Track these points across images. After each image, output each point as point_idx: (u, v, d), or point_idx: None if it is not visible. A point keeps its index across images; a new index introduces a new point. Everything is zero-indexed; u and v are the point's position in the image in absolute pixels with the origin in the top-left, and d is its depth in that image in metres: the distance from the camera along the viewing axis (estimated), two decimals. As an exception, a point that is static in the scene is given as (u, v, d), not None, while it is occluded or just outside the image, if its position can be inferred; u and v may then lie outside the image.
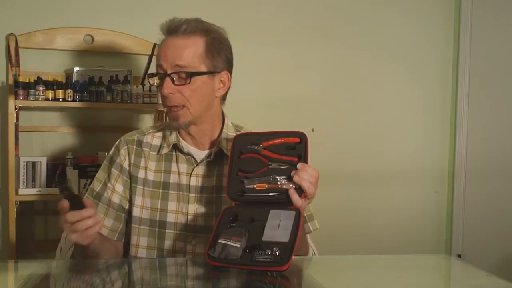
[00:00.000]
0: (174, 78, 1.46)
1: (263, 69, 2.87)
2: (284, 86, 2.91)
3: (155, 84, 1.52)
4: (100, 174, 1.58)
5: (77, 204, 1.28)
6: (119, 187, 1.55)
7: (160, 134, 1.59)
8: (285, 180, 1.33)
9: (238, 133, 1.52)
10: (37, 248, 2.58)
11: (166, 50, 1.47)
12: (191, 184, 1.52)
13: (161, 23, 1.51)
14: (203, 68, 1.48)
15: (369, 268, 1.40)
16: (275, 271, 1.21)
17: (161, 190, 1.53)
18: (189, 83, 1.46)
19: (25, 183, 2.42)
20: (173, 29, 1.48)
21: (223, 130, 1.56)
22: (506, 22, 2.93)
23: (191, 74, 1.46)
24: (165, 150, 1.55)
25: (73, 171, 2.48)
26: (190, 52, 1.47)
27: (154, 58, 2.52)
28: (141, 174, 1.54)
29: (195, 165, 1.53)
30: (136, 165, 1.55)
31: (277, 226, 1.27)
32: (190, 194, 1.52)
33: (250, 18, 2.85)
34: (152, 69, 2.54)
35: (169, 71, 1.46)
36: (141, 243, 1.52)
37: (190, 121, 1.50)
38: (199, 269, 1.34)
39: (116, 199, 1.54)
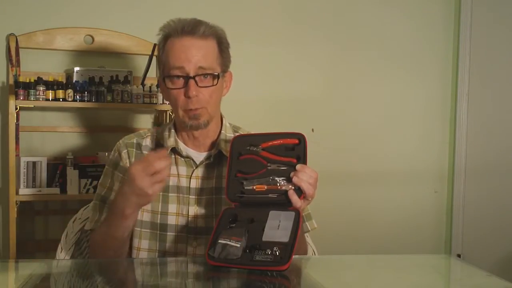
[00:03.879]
0: (197, 80, 1.44)
1: (263, 69, 2.87)
2: (284, 86, 2.92)
3: (172, 87, 1.46)
4: (104, 180, 1.57)
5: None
6: None
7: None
8: (284, 181, 1.33)
9: (237, 134, 1.52)
10: (37, 248, 2.58)
11: (187, 52, 1.44)
12: (191, 186, 1.52)
13: (164, 23, 1.49)
14: (219, 70, 1.49)
15: (369, 268, 1.40)
16: (275, 271, 1.21)
17: (161, 193, 1.52)
18: (216, 84, 1.46)
19: (25, 183, 2.42)
20: (189, 30, 1.45)
21: (222, 131, 1.57)
22: (506, 22, 2.93)
23: (218, 76, 1.47)
24: None
25: (73, 171, 2.48)
26: (210, 54, 1.47)
27: (154, 58, 2.54)
28: None
29: (194, 167, 1.53)
30: None
31: (277, 227, 1.27)
32: (190, 196, 1.52)
33: (250, 18, 2.85)
34: (152, 70, 2.56)
35: (192, 74, 1.44)
36: (143, 246, 1.52)
37: (208, 120, 1.50)
38: (199, 269, 1.34)
39: None
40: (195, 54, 1.45)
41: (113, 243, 1.43)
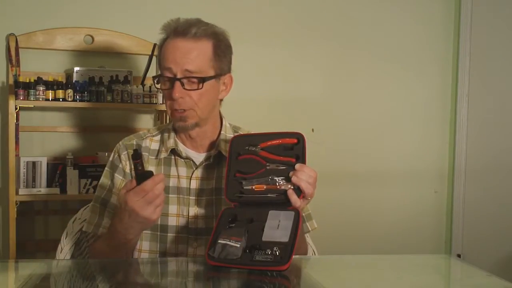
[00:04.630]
0: (184, 82, 1.44)
1: (263, 69, 2.87)
2: (284, 86, 2.92)
3: (162, 88, 1.47)
4: (104, 181, 1.56)
5: (145, 179, 1.26)
6: None
7: (158, 138, 1.58)
8: (284, 181, 1.33)
9: (236, 134, 1.52)
10: (37, 248, 2.58)
11: (175, 53, 1.44)
12: (191, 187, 1.52)
13: (165, 23, 1.49)
14: (211, 72, 1.47)
15: (369, 268, 1.40)
16: (275, 271, 1.21)
17: None
18: (201, 88, 1.45)
19: (25, 183, 2.43)
20: (181, 31, 1.44)
21: (221, 132, 1.56)
22: (506, 22, 2.93)
23: (203, 80, 1.45)
24: (163, 155, 1.54)
25: (73, 171, 2.48)
26: (200, 56, 1.45)
27: (154, 58, 2.54)
28: None
29: (194, 168, 1.53)
30: None
31: (277, 226, 1.27)
32: (190, 197, 1.52)
33: (250, 18, 2.85)
34: (152, 69, 2.56)
35: (179, 75, 1.43)
36: (144, 247, 1.51)
37: (196, 122, 1.49)
38: (199, 269, 1.34)
39: None
40: (183, 56, 1.43)
41: (115, 256, 1.43)
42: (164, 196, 1.29)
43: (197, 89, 1.44)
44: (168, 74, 1.45)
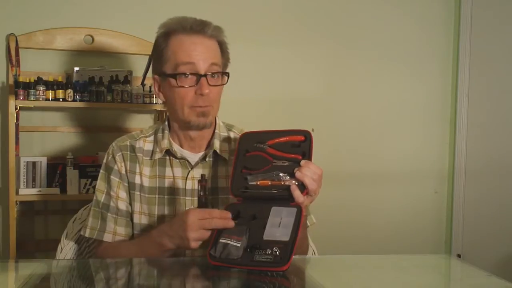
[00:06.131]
0: (208, 78, 1.45)
1: (263, 69, 2.87)
2: (284, 86, 2.92)
3: (182, 85, 1.44)
4: (101, 184, 1.55)
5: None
6: (122, 194, 1.53)
7: (151, 138, 1.57)
8: (288, 177, 1.33)
9: (245, 131, 1.51)
10: (37, 248, 2.58)
11: (197, 48, 1.44)
12: (187, 187, 1.52)
13: (168, 21, 1.48)
14: (223, 68, 1.51)
15: (369, 268, 1.40)
16: (275, 271, 1.21)
17: (157, 196, 1.51)
18: (226, 82, 1.48)
19: (25, 183, 2.43)
20: (199, 29, 1.45)
21: (215, 131, 1.56)
22: (506, 22, 2.93)
23: (224, 74, 1.48)
24: (158, 155, 1.53)
25: (73, 171, 2.48)
26: (217, 52, 1.48)
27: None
28: (137, 180, 1.53)
29: (189, 169, 1.53)
30: (132, 171, 1.53)
31: (278, 224, 1.27)
32: (186, 198, 1.51)
33: (250, 18, 2.85)
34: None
35: (203, 71, 1.44)
36: None
37: (211, 120, 1.51)
38: (199, 268, 1.34)
39: (122, 206, 1.53)
40: (206, 51, 1.45)
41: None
42: (207, 236, 1.29)
43: (221, 84, 1.48)
44: (190, 71, 1.44)
